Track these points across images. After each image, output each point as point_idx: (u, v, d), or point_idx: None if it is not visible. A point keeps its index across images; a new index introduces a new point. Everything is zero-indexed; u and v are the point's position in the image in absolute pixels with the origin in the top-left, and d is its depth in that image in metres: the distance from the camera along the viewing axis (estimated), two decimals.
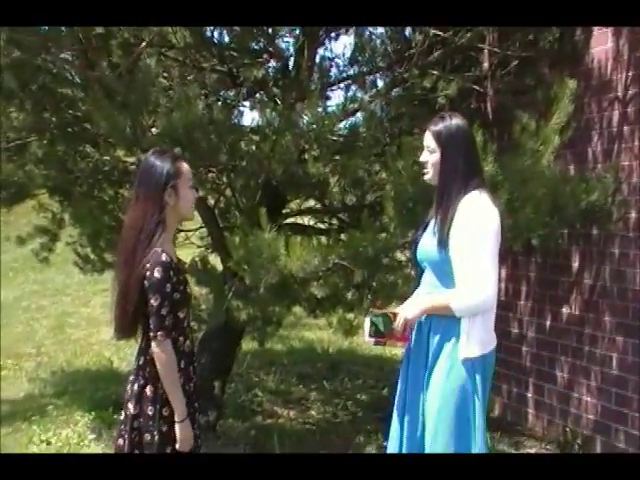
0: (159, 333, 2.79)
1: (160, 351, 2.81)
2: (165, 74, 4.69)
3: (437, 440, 2.91)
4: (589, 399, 5.06)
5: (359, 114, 4.68)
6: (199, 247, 6.17)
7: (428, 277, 3.06)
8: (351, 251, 4.05)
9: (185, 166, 2.96)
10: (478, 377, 2.94)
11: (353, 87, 5.11)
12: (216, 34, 4.94)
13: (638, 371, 4.65)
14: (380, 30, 5.19)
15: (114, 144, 4.50)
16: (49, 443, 5.27)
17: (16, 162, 5.03)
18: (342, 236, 4.61)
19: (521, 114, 4.18)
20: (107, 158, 4.78)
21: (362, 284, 4.50)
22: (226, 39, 5.00)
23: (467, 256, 2.85)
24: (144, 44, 4.32)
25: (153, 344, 2.82)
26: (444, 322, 2.95)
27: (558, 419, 5.33)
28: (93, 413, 5.76)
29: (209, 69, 5.09)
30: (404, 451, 3.07)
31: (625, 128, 4.74)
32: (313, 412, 6.09)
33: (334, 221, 5.79)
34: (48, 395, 6.49)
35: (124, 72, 4.15)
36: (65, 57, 4.52)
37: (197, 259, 4.85)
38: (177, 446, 2.84)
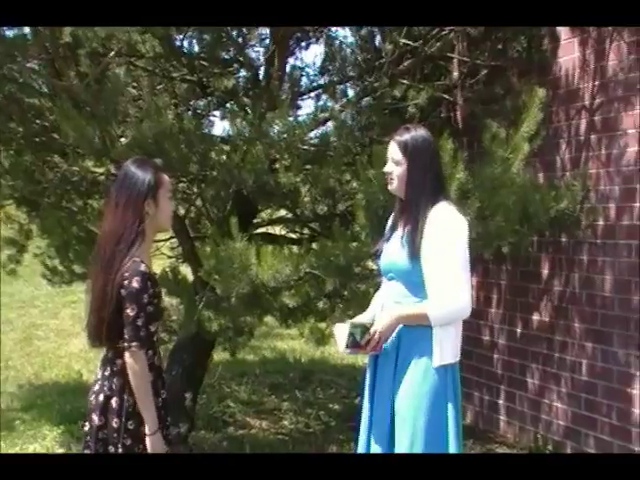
0: (133, 344, 2.75)
1: (133, 362, 2.76)
2: (134, 84, 4.66)
3: (414, 449, 2.90)
4: (559, 405, 5.10)
5: (330, 123, 4.69)
6: (170, 257, 6.13)
7: (396, 287, 3.05)
8: (322, 260, 4.05)
9: (165, 177, 2.94)
10: (451, 384, 2.96)
11: (324, 96, 5.13)
12: (186, 43, 4.93)
13: (607, 377, 4.70)
14: (350, 39, 5.22)
15: (83, 154, 4.45)
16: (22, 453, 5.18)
17: None
18: (313, 245, 4.60)
19: (491, 123, 4.21)
20: (76, 168, 4.72)
21: (334, 293, 4.49)
22: (196, 48, 4.99)
23: (441, 265, 2.86)
24: (113, 53, 4.28)
25: (126, 354, 2.77)
26: (414, 331, 2.95)
27: (529, 425, 5.36)
28: (62, 427, 5.67)
29: (179, 79, 5.08)
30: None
31: (592, 136, 4.80)
32: (285, 422, 6.06)
33: (305, 230, 5.79)
34: (15, 409, 6.37)
35: (92, 82, 4.10)
36: (32, 66, 4.46)
37: (168, 269, 4.81)
38: None
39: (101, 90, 4.10)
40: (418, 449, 2.90)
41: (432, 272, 2.89)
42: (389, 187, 3.11)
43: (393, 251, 3.06)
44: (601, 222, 4.73)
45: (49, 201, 4.91)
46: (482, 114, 4.91)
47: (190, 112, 4.97)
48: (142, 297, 2.75)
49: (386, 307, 3.08)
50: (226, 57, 5.04)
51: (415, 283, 2.95)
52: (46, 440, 5.50)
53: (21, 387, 7.10)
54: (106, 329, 2.83)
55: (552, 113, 5.02)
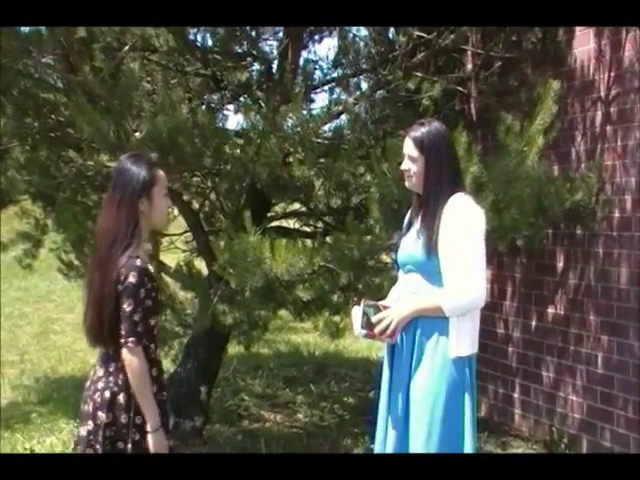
0: (130, 339, 2.72)
1: (132, 358, 2.73)
2: (148, 78, 4.66)
3: (431, 440, 2.90)
4: (575, 398, 5.08)
5: (343, 116, 4.69)
6: (184, 251, 6.15)
7: (414, 278, 3.05)
8: (336, 253, 4.05)
9: (161, 173, 2.89)
10: (468, 376, 2.96)
11: (337, 90, 5.11)
12: (199, 37, 4.94)
13: (623, 369, 4.68)
14: (364, 32, 5.20)
15: (97, 149, 4.46)
16: (33, 451, 5.21)
17: None
18: (327, 239, 4.61)
19: (505, 115, 4.20)
20: (90, 163, 4.74)
21: (348, 286, 4.49)
22: (209, 42, 5.00)
23: (456, 256, 2.86)
24: (127, 48, 4.29)
25: (124, 351, 2.73)
26: (432, 322, 2.94)
27: (544, 419, 5.35)
28: (78, 420, 5.70)
29: (193, 73, 5.09)
30: (388, 452, 3.07)
31: (608, 128, 4.77)
32: (300, 416, 6.07)
33: (319, 224, 5.79)
34: (32, 403, 6.42)
35: (107, 76, 4.12)
36: (47, 61, 4.48)
37: (182, 263, 4.83)
38: None
39: (115, 85, 4.11)
40: (434, 440, 2.90)
41: (448, 262, 2.89)
42: (407, 184, 3.09)
43: (410, 244, 3.06)
44: (617, 214, 4.70)
45: (64, 196, 4.94)
46: (496, 106, 4.89)
47: (204, 106, 4.98)
48: (139, 292, 2.73)
49: (402, 298, 3.08)
50: (240, 51, 5.05)
51: (432, 273, 2.95)
52: (62, 433, 5.54)
53: (38, 381, 7.16)
54: (107, 330, 2.79)
55: (567, 105, 4.99)
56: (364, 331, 2.98)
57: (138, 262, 2.75)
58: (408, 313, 2.96)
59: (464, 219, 2.91)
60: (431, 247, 2.92)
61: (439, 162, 2.97)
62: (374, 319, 2.96)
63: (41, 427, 5.72)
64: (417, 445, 2.95)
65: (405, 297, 3.06)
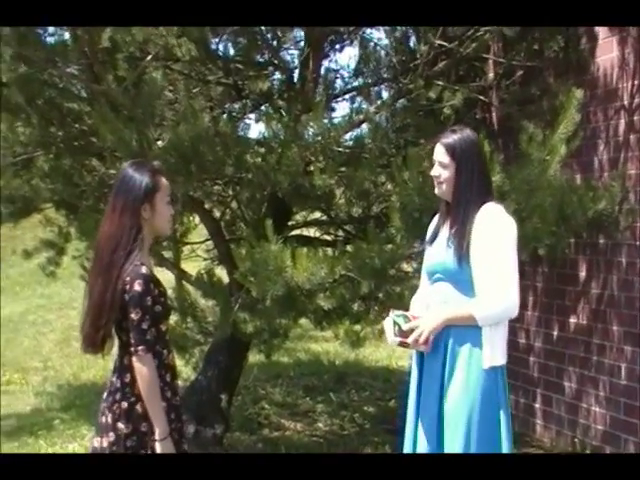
0: (140, 348, 2.72)
1: (141, 366, 2.74)
2: (171, 87, 4.70)
3: (469, 452, 2.86)
4: (598, 409, 5.03)
5: (364, 125, 4.69)
6: (205, 260, 6.17)
7: (443, 288, 3.01)
8: (357, 262, 4.04)
9: (164, 181, 2.89)
10: (501, 386, 2.93)
11: (358, 98, 5.13)
12: (221, 47, 4.98)
13: None
14: (385, 41, 5.21)
15: (120, 157, 4.50)
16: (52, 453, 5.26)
17: (22, 176, 5.04)
18: (348, 247, 4.60)
19: (527, 124, 4.18)
20: (113, 172, 4.77)
21: (369, 295, 4.49)
22: (231, 52, 5.04)
23: (489, 265, 2.84)
24: (149, 57, 4.33)
25: (134, 359, 2.74)
26: (464, 331, 2.91)
27: (567, 430, 5.30)
28: (95, 431, 5.73)
29: (214, 82, 5.12)
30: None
31: (631, 137, 4.73)
32: (320, 424, 6.07)
33: (340, 233, 5.79)
34: (55, 409, 6.48)
35: (130, 86, 4.16)
36: (71, 71, 4.54)
37: (203, 272, 4.85)
38: None
39: (138, 94, 4.15)
40: (474, 451, 2.87)
41: (480, 272, 2.86)
42: (436, 191, 3.07)
43: (439, 252, 3.03)
44: None
45: (87, 204, 4.98)
46: (518, 115, 4.87)
47: (225, 115, 5.00)
48: (145, 300, 2.73)
49: (432, 307, 3.04)
50: (261, 60, 5.07)
51: (463, 282, 2.92)
52: (85, 439, 5.57)
53: (60, 387, 7.22)
54: (102, 336, 2.80)
55: (590, 113, 4.96)
56: (397, 339, 2.96)
57: (143, 270, 2.75)
58: (440, 322, 2.93)
59: (497, 228, 2.89)
60: (462, 255, 2.90)
61: (470, 169, 2.95)
62: (405, 327, 2.95)
63: (64, 433, 5.77)
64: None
65: (434, 306, 3.03)
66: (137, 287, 2.72)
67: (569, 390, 5.28)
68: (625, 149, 4.78)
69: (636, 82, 4.69)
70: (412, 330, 2.94)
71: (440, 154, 3.01)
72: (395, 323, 2.97)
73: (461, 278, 2.93)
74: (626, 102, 4.77)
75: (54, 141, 4.80)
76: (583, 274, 5.14)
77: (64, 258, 6.23)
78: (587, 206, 4.37)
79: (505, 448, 2.91)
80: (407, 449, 3.10)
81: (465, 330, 2.91)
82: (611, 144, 4.90)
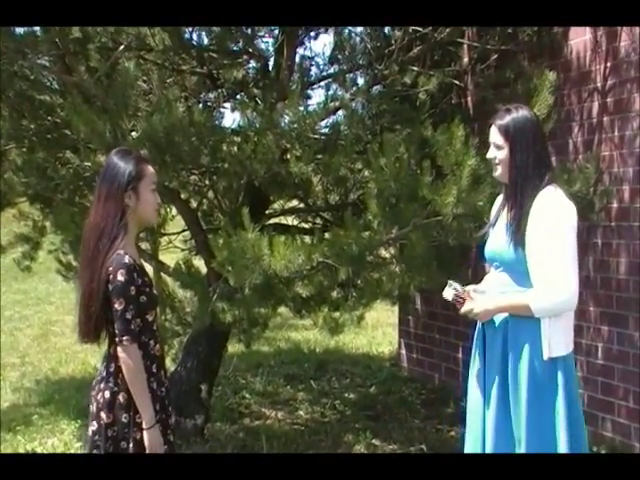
0: (124, 338, 2.72)
1: (126, 356, 2.74)
2: (144, 77, 4.66)
3: (530, 443, 2.84)
4: None
5: (340, 112, 4.67)
6: (182, 250, 6.15)
7: (502, 278, 2.96)
8: (335, 249, 4.04)
9: (149, 168, 2.89)
10: (561, 377, 2.85)
11: (333, 85, 5.10)
12: (195, 36, 4.92)
13: (623, 360, 4.69)
14: (359, 28, 5.19)
15: (94, 149, 4.46)
16: (34, 453, 5.22)
17: None
18: (326, 235, 4.59)
19: (502, 107, 4.18)
20: (88, 164, 4.72)
21: (347, 282, 4.49)
22: (205, 41, 4.98)
23: (547, 255, 2.76)
24: (122, 47, 4.28)
25: (119, 349, 2.75)
26: (523, 322, 2.85)
27: None
28: (79, 421, 5.71)
29: (188, 71, 5.08)
30: (490, 449, 2.95)
31: (605, 118, 4.77)
32: (301, 412, 6.08)
33: (318, 220, 5.79)
34: (33, 404, 6.42)
35: (103, 76, 4.11)
36: (42, 63, 4.48)
37: (181, 262, 4.82)
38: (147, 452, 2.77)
39: (111, 85, 4.11)
40: (523, 445, 2.85)
41: (536, 261, 2.79)
42: (494, 174, 3.01)
43: (497, 239, 2.97)
44: (615, 204, 4.71)
45: (62, 197, 4.93)
46: (493, 99, 4.90)
47: (200, 104, 4.96)
48: (129, 290, 2.73)
49: (489, 294, 3.00)
50: (235, 48, 5.03)
51: (520, 272, 2.86)
52: (64, 434, 5.55)
53: (38, 382, 7.16)
54: (94, 325, 2.81)
55: (564, 96, 4.99)
56: (452, 292, 3.01)
57: (126, 259, 2.74)
58: (491, 310, 2.91)
59: (554, 215, 2.80)
60: (517, 242, 2.83)
61: (525, 149, 2.86)
62: (461, 291, 3.00)
63: (42, 429, 5.72)
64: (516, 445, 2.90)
65: (492, 295, 2.99)
66: (120, 277, 2.71)
67: None
68: (599, 131, 4.82)
69: (609, 64, 4.73)
70: (467, 297, 2.97)
71: (494, 135, 2.94)
72: (450, 284, 3.02)
73: (519, 269, 2.86)
74: (599, 84, 4.81)
75: (26, 134, 4.75)
76: None
77: (40, 252, 6.15)
78: (562, 188, 4.39)
79: (562, 440, 2.82)
80: (476, 440, 3.02)
81: (525, 320, 2.84)
82: (585, 126, 4.94)
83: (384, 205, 4.01)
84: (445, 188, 3.69)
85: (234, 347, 6.00)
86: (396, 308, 7.25)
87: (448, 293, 3.03)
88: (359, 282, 4.60)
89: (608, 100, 4.74)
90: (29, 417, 5.99)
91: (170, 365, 5.61)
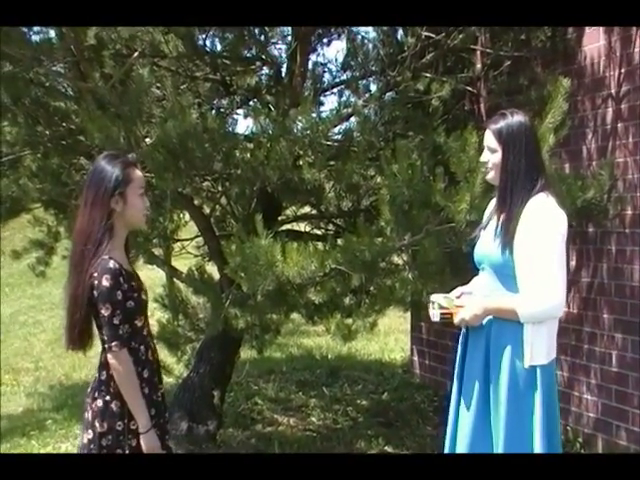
0: (113, 344, 2.70)
1: (117, 362, 2.72)
2: (158, 84, 4.68)
3: (507, 445, 2.84)
4: (589, 397, 5.06)
5: (353, 119, 4.69)
6: (195, 256, 6.16)
7: (488, 279, 2.97)
8: (348, 256, 4.04)
9: (136, 173, 2.86)
10: (542, 385, 2.84)
11: (346, 92, 5.12)
12: (208, 42, 4.96)
13: (638, 367, 4.65)
14: (372, 34, 5.21)
15: None
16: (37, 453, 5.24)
17: (10, 177, 5.01)
18: (338, 241, 4.59)
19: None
20: None
21: (359, 289, 4.48)
22: (218, 47, 5.01)
23: (535, 262, 2.76)
24: (136, 54, 4.31)
25: (109, 356, 2.72)
26: (507, 326, 2.86)
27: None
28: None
29: (202, 78, 5.11)
30: (463, 449, 2.97)
31: (619, 125, 4.75)
32: (313, 419, 6.07)
33: (330, 226, 5.79)
34: (47, 409, 6.46)
35: (117, 83, 4.14)
36: (57, 70, 4.51)
37: (194, 268, 4.85)
38: None
39: (125, 91, 4.13)
40: (500, 447, 2.84)
41: (525, 268, 2.79)
42: (487, 177, 3.03)
43: (486, 242, 2.98)
44: (629, 211, 4.68)
45: (76, 203, 4.95)
46: (506, 105, 4.84)
47: (214, 111, 4.98)
48: (115, 295, 2.70)
49: (475, 297, 3.01)
50: (248, 55, 5.06)
51: (507, 276, 2.87)
52: (77, 439, 5.55)
53: (52, 387, 7.20)
54: (79, 332, 2.79)
55: (578, 102, 4.97)
56: (438, 312, 3.02)
57: (110, 264, 2.71)
58: (479, 313, 2.91)
59: (544, 222, 2.80)
60: (506, 245, 2.84)
61: (517, 153, 2.87)
62: (445, 304, 3.00)
63: (56, 433, 5.75)
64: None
65: (478, 297, 3.00)
66: (105, 282, 2.68)
67: (561, 378, 5.29)
68: (613, 137, 4.80)
69: (623, 70, 4.71)
70: (454, 309, 2.97)
71: (488, 139, 2.96)
72: (433, 302, 3.01)
73: (506, 272, 2.87)
74: (613, 90, 4.78)
75: (41, 140, 4.77)
76: (573, 263, 5.16)
77: (54, 258, 6.20)
78: (576, 195, 4.38)
79: (538, 449, 2.82)
80: (448, 442, 3.06)
81: (508, 325, 2.85)
82: (599, 132, 4.91)
83: (397, 211, 4.01)
84: (458, 195, 3.68)
85: (246, 353, 6.01)
86: (408, 315, 7.23)
87: (434, 315, 3.03)
88: (372, 288, 4.59)
89: (622, 106, 4.72)
90: (43, 422, 6.02)
91: (183, 371, 5.63)
